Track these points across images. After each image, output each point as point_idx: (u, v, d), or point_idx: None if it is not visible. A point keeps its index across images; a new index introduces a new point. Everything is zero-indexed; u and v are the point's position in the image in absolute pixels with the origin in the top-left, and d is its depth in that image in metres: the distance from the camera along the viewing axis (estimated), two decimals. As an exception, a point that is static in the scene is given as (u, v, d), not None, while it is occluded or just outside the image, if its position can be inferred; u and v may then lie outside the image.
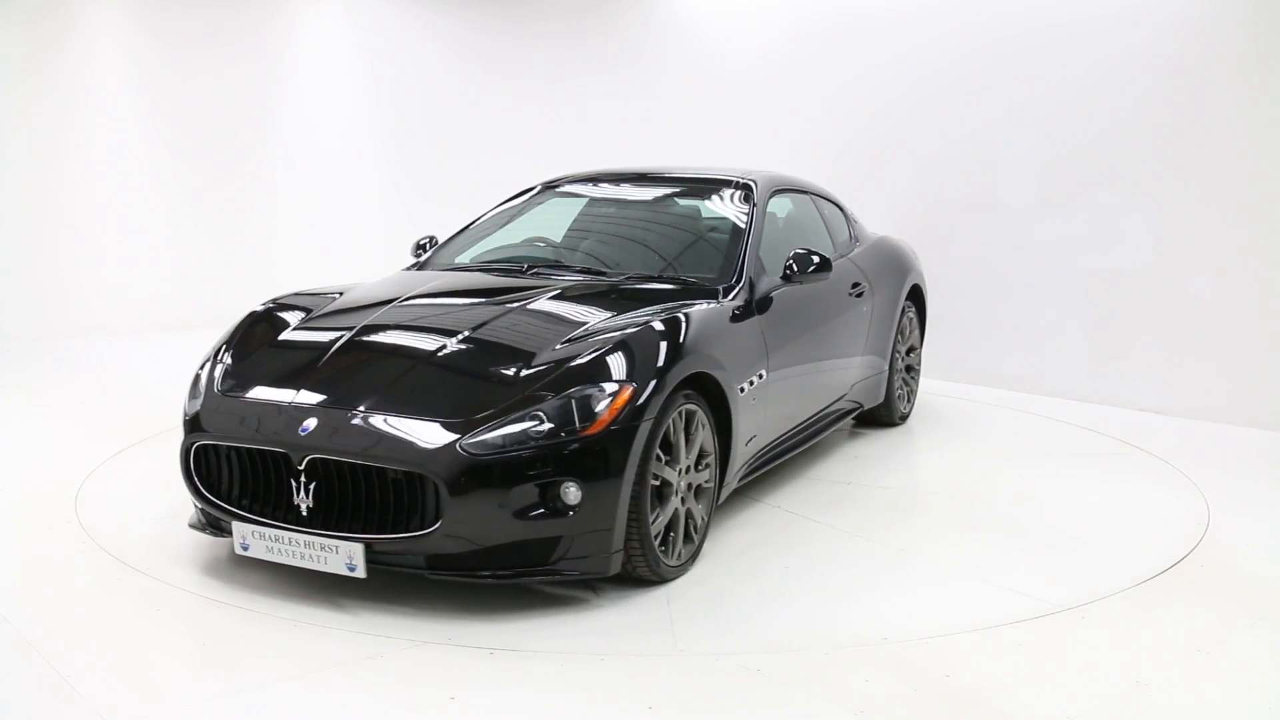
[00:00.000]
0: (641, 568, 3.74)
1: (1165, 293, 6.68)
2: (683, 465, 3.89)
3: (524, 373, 3.71)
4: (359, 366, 3.94)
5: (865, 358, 5.62)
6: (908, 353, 6.29)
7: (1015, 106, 7.29)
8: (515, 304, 4.30)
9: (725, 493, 4.30)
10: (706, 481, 4.06)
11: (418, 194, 10.54)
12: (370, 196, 10.54)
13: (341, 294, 4.68)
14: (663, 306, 4.21)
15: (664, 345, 3.85)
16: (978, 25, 7.47)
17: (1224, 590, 3.91)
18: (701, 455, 4.03)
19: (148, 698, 3.06)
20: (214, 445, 3.80)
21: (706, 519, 4.08)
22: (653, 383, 3.67)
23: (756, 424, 4.43)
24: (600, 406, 3.55)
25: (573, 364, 3.69)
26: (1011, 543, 4.40)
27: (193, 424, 3.90)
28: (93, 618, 3.64)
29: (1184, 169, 6.54)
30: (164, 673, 3.23)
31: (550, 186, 5.65)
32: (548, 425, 3.50)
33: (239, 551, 3.71)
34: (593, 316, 4.12)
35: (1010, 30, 7.29)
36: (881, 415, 6.09)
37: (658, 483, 3.76)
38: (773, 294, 4.70)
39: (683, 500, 3.91)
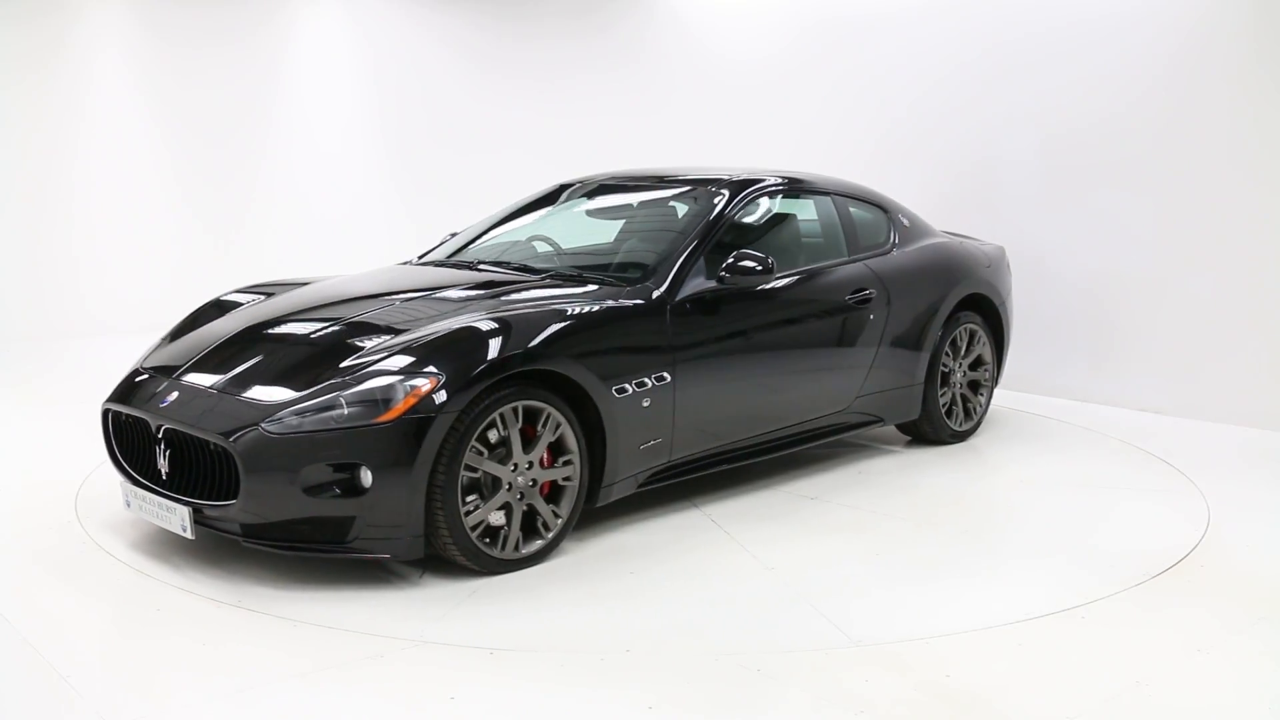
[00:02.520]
0: (457, 556, 3.84)
1: (1165, 293, 6.67)
2: (520, 462, 3.92)
3: (350, 360, 3.90)
4: (243, 349, 4.23)
5: (878, 369, 5.31)
6: (972, 366, 5.88)
7: (1014, 107, 7.29)
8: (414, 296, 4.49)
9: (611, 493, 4.29)
10: (566, 479, 4.08)
11: (418, 192, 10.55)
12: (371, 195, 10.54)
13: (305, 284, 4.99)
14: (524, 302, 4.29)
15: (483, 341, 3.90)
16: (977, 27, 7.46)
17: (1224, 590, 3.91)
18: (565, 453, 4.06)
19: (148, 698, 3.06)
20: (116, 410, 4.21)
21: (565, 517, 4.09)
22: (462, 377, 3.75)
23: (661, 427, 4.37)
24: (398, 396, 3.68)
25: (390, 354, 3.87)
26: (1011, 543, 4.40)
27: (113, 391, 4.32)
28: (93, 618, 3.64)
29: (1185, 169, 6.53)
30: (164, 673, 3.22)
31: (563, 187, 5.73)
32: (347, 410, 3.68)
33: (125, 508, 4.14)
34: (464, 312, 4.20)
35: (1009, 34, 7.28)
36: (926, 432, 5.73)
37: (476, 475, 3.82)
38: (709, 295, 4.59)
39: (521, 496, 3.95)
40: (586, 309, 4.27)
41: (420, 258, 5.57)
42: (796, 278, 5.04)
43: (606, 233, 5.41)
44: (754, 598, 3.81)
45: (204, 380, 4.05)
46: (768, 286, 4.80)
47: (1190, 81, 6.47)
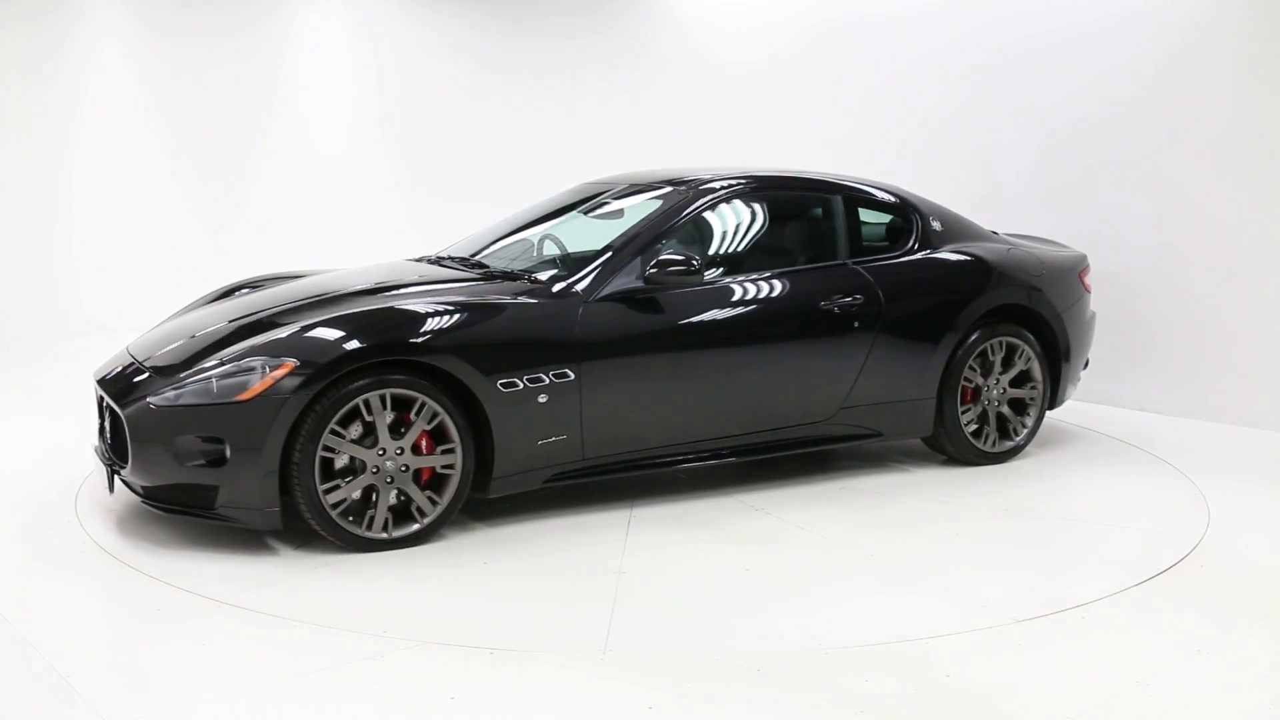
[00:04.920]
0: (320, 531, 4.09)
1: (1165, 293, 6.68)
2: (388, 447, 4.09)
3: (245, 344, 4.19)
4: (193, 329, 4.58)
5: (870, 379, 5.02)
6: (1015, 383, 5.42)
7: (1014, 106, 7.29)
8: (357, 291, 4.63)
9: (505, 486, 4.35)
10: (447, 468, 4.20)
11: (419, 192, 10.55)
12: (371, 195, 10.55)
13: (299, 278, 5.27)
14: (423, 297, 4.44)
15: (348, 331, 4.10)
16: (977, 28, 7.47)
17: (1224, 590, 3.91)
18: (446, 442, 4.20)
19: (148, 698, 3.06)
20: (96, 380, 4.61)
21: (443, 504, 4.22)
22: (320, 363, 3.98)
23: (564, 425, 4.38)
24: (255, 378, 3.97)
25: (269, 338, 4.17)
26: (1011, 543, 4.40)
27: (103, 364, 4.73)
28: (93, 618, 3.65)
29: (1186, 169, 6.53)
30: (164, 673, 3.22)
31: (588, 191, 5.65)
32: (216, 387, 4.01)
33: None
34: (376, 302, 4.39)
35: (1009, 35, 7.29)
36: (949, 451, 5.35)
37: (333, 455, 4.03)
38: (637, 296, 4.57)
39: (391, 480, 4.11)
40: (476, 304, 4.38)
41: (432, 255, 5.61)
42: (754, 280, 4.92)
43: (590, 236, 5.34)
44: (557, 596, 3.79)
45: (146, 359, 4.41)
46: (715, 288, 4.75)
47: (1191, 81, 6.47)
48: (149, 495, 4.14)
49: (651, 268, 4.58)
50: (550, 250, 5.38)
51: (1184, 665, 3.33)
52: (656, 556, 4.18)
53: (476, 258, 5.26)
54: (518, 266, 5.00)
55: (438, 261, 5.29)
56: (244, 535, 4.26)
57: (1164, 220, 6.67)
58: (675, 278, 4.57)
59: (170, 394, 4.05)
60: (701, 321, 4.71)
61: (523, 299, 4.46)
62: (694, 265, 4.56)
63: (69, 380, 7.42)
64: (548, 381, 4.33)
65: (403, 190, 10.59)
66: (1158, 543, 4.36)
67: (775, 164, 6.29)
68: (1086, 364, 5.90)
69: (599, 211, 5.44)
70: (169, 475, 4.05)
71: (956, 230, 5.52)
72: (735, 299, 4.82)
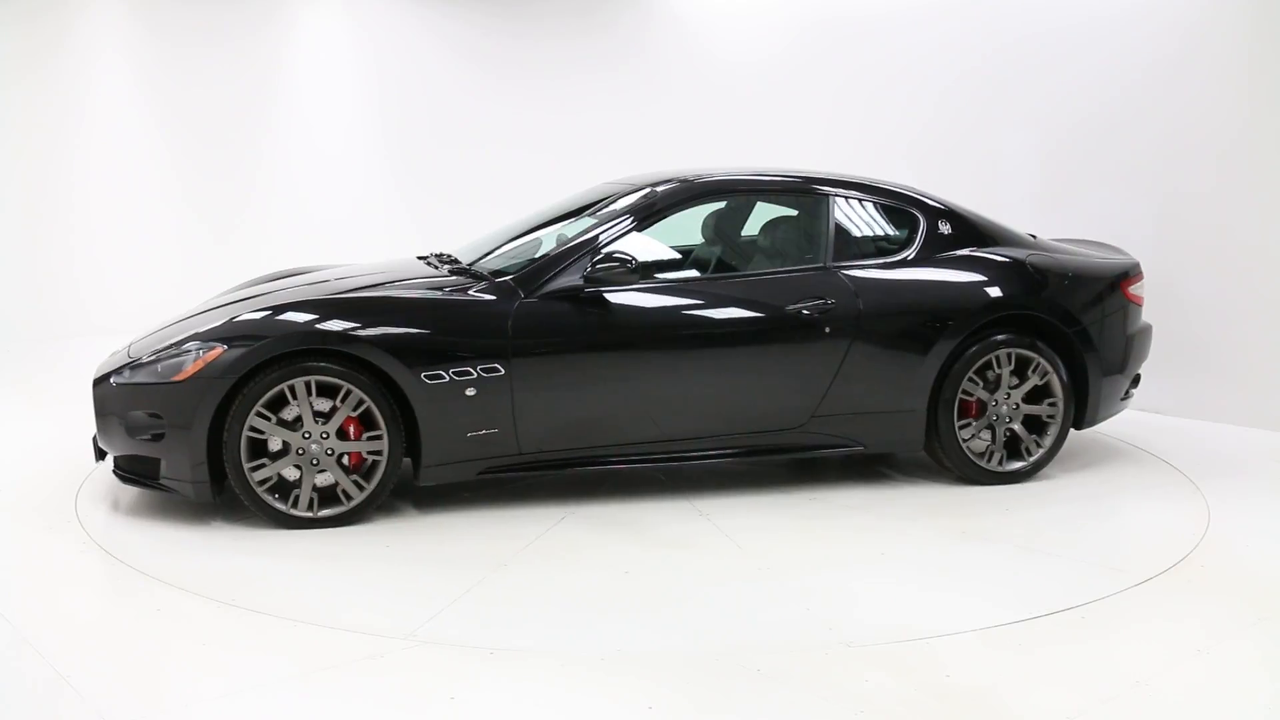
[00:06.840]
0: (249, 506, 4.37)
1: (1165, 293, 6.67)
2: (312, 430, 4.33)
3: (191, 330, 4.46)
4: (181, 319, 4.84)
5: (846, 389, 4.81)
6: (1032, 399, 5.04)
7: (1014, 106, 7.29)
8: (333, 285, 4.82)
9: (436, 475, 4.49)
10: (371, 453, 4.39)
11: (419, 191, 10.54)
12: (372, 195, 10.54)
13: (311, 271, 5.47)
14: (366, 290, 4.63)
15: (277, 321, 4.37)
16: (976, 27, 7.47)
17: (1224, 590, 3.91)
18: (373, 429, 4.41)
19: (148, 698, 3.06)
20: None
21: (369, 489, 4.42)
22: (244, 349, 4.26)
23: (495, 419, 4.47)
24: (189, 360, 4.29)
25: (207, 325, 4.44)
26: (1011, 543, 4.40)
27: None
28: (92, 617, 3.65)
29: (1185, 168, 6.53)
30: (164, 673, 3.23)
31: (605, 191, 5.57)
32: (160, 369, 4.34)
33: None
34: (317, 295, 4.62)
35: (1008, 35, 7.29)
36: (949, 468, 5.06)
37: (263, 436, 4.30)
38: (580, 295, 4.58)
39: (317, 463, 4.35)
40: (407, 298, 4.56)
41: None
42: (713, 281, 4.89)
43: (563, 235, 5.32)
44: (413, 583, 3.89)
45: (131, 345, 4.72)
46: (670, 289, 4.75)
47: (1193, 80, 6.46)
48: (117, 466, 4.50)
49: (591, 266, 4.61)
50: (541, 250, 5.34)
51: (1183, 665, 3.33)
52: (553, 554, 4.19)
53: (481, 258, 5.22)
54: (496, 265, 4.94)
55: (424, 259, 5.38)
56: (243, 533, 4.31)
57: (1163, 220, 6.67)
58: (614, 276, 4.60)
59: (127, 374, 4.40)
60: (648, 322, 4.67)
61: (457, 295, 4.58)
62: (631, 264, 4.57)
63: (69, 380, 7.42)
64: (475, 375, 4.42)
65: (403, 190, 10.58)
66: (1158, 542, 4.37)
67: (775, 164, 6.29)
68: (1137, 380, 5.42)
69: (603, 213, 5.42)
70: (124, 447, 4.41)
71: (975, 233, 5.19)
72: (690, 300, 4.75)
